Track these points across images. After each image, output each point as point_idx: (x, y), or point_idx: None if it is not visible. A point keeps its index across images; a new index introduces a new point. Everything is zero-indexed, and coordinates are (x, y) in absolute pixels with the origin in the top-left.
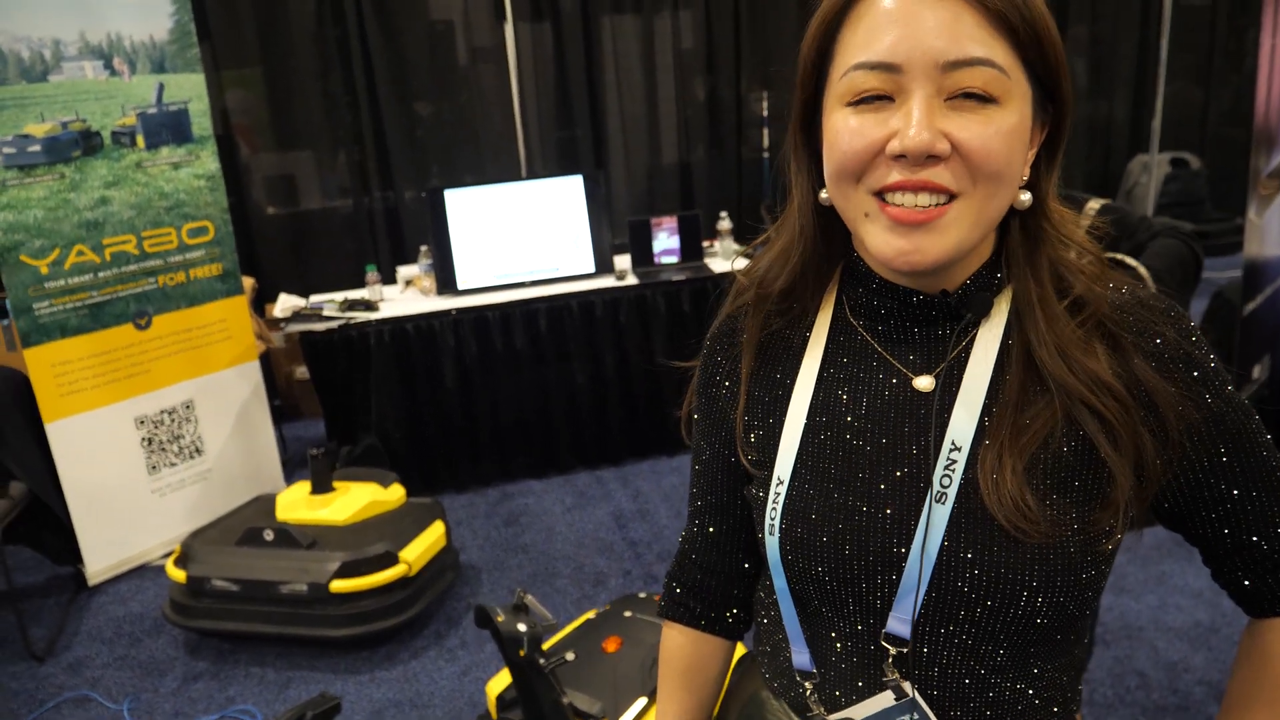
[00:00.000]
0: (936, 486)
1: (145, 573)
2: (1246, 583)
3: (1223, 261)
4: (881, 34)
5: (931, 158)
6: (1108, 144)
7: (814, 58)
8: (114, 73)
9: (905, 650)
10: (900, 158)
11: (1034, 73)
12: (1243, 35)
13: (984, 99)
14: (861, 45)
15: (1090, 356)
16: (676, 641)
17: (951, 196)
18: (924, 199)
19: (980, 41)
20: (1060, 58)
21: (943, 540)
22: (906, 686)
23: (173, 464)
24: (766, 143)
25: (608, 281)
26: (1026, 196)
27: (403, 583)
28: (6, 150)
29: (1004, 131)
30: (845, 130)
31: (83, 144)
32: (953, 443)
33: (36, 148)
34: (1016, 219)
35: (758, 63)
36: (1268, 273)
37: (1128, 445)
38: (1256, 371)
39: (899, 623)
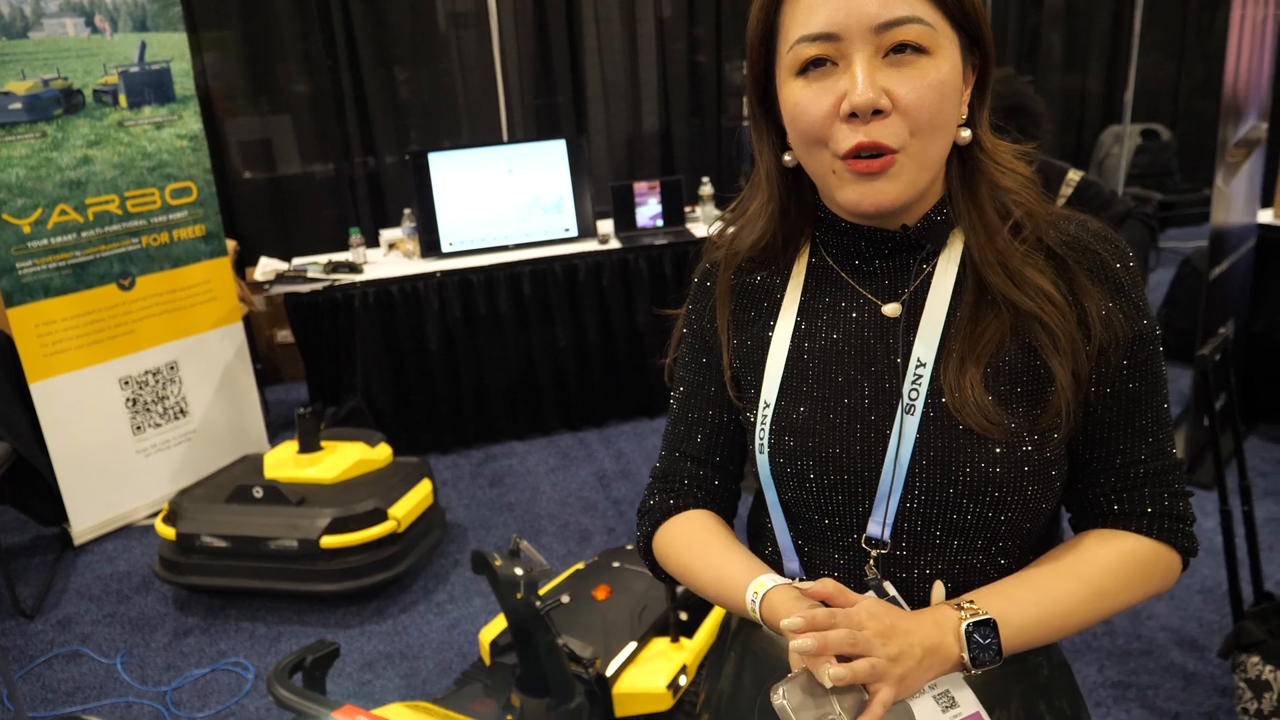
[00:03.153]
0: (905, 399)
1: (131, 532)
2: (1101, 499)
3: (1190, 231)
4: (819, 8)
5: (877, 112)
6: (1081, 115)
7: (760, 36)
8: (95, 30)
9: (884, 552)
10: (852, 116)
11: (958, 23)
12: (1214, 9)
13: (917, 50)
14: (802, 20)
15: (1032, 270)
16: (678, 521)
17: (895, 151)
18: (875, 153)
19: (905, 2)
20: (979, 8)
21: (914, 448)
22: (887, 586)
23: (157, 424)
24: (746, 111)
25: (591, 245)
26: (966, 133)
27: (392, 539)
28: None
29: (936, 82)
30: (802, 101)
31: (64, 102)
32: (918, 360)
33: (18, 105)
34: (956, 154)
35: (737, 32)
36: (1232, 239)
37: (1066, 348)
38: (1221, 332)
39: (878, 526)
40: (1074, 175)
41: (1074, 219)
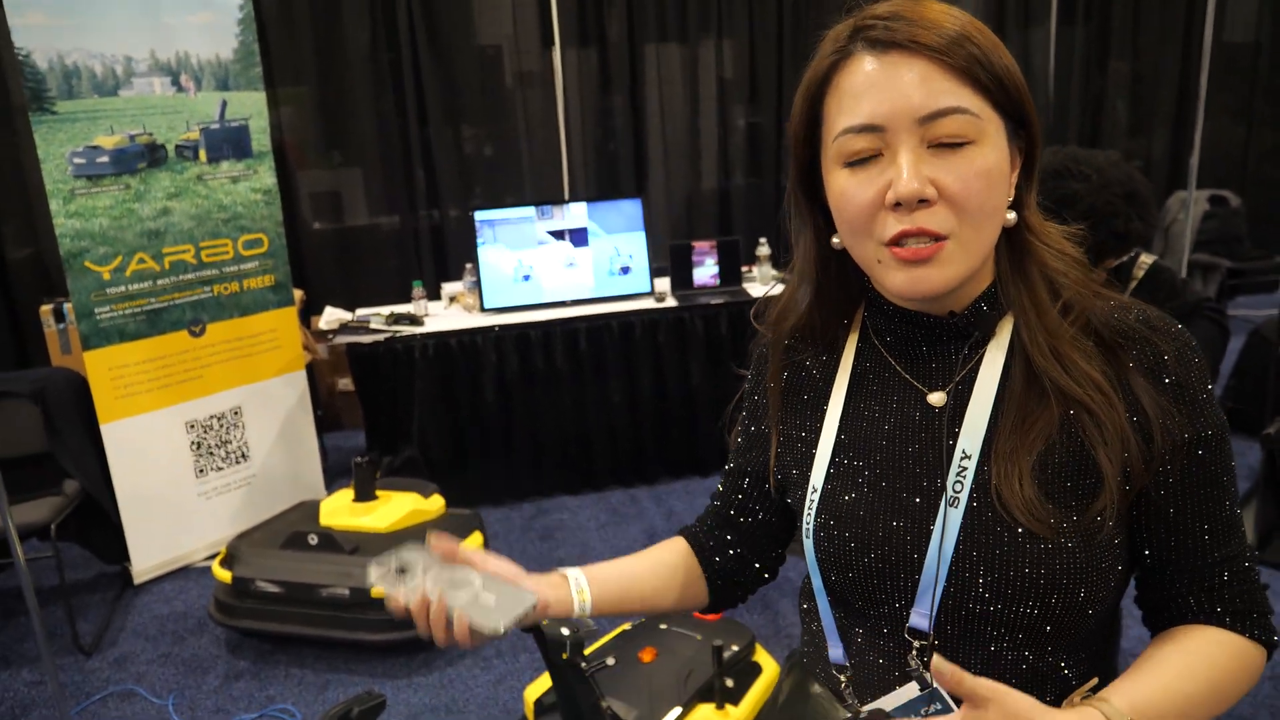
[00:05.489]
0: (949, 491)
1: (189, 573)
2: (1180, 599)
3: (1260, 300)
4: (863, 99)
5: (923, 201)
6: (1147, 181)
7: (805, 126)
8: (180, 89)
9: (927, 643)
10: (897, 205)
11: (1003, 108)
12: None
13: (962, 140)
14: (847, 111)
15: (1080, 356)
16: (666, 545)
17: (945, 238)
18: (924, 239)
19: (950, 92)
20: (1023, 92)
21: (957, 540)
22: (929, 677)
23: (219, 468)
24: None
25: (648, 303)
26: (1012, 215)
27: None
28: (77, 160)
29: (983, 170)
30: (848, 191)
31: (148, 156)
32: (963, 451)
33: (105, 159)
34: (1004, 235)
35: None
36: None
37: (1114, 440)
38: None
39: (920, 617)
40: (1146, 259)
41: (1133, 308)
